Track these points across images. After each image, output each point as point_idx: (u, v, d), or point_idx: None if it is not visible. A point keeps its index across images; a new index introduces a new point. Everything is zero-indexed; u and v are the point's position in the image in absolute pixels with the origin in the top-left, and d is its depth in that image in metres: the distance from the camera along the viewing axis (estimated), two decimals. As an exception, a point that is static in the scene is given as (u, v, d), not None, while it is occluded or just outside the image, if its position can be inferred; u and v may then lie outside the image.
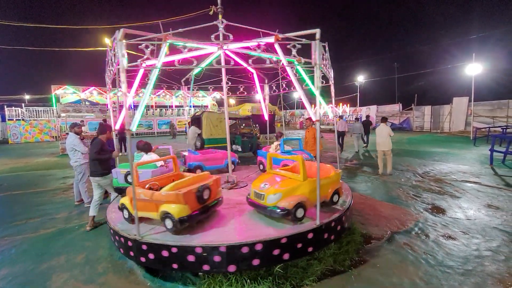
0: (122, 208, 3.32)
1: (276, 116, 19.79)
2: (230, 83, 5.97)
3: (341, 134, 12.33)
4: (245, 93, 6.57)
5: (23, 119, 22.19)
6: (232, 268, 2.68)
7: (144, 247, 2.81)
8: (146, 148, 4.49)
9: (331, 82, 4.54)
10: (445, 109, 21.62)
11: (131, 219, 3.22)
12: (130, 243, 2.91)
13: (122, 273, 3.12)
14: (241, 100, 26.93)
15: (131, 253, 2.95)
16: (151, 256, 2.80)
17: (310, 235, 2.98)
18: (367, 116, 17.19)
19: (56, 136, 21.42)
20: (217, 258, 2.65)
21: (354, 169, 8.44)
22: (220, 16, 3.84)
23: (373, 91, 39.55)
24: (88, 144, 5.75)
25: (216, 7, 4.15)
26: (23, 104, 24.84)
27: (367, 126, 12.57)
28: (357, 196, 5.61)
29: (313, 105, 3.46)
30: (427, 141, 15.66)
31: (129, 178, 4.06)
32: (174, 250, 2.70)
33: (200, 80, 6.31)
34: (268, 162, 3.87)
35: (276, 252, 2.78)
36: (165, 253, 2.73)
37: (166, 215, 2.87)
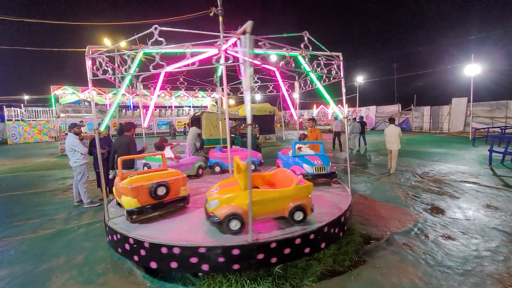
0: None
1: (275, 116, 19.80)
2: (259, 82, 6.17)
3: (337, 134, 12.57)
4: (259, 90, 6.57)
5: (22, 120, 22.17)
6: (153, 265, 2.82)
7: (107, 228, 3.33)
8: (160, 147, 5.35)
9: (343, 89, 4.50)
10: (444, 109, 21.67)
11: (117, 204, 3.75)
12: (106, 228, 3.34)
13: (122, 273, 3.12)
14: (240, 101, 26.92)
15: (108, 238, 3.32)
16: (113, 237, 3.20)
17: (235, 251, 2.66)
18: (361, 117, 17.31)
19: (55, 137, 21.42)
20: (142, 252, 2.86)
21: (353, 169, 8.45)
22: (220, 18, 3.87)
23: (372, 92, 39.63)
24: (87, 145, 5.75)
25: (217, 8, 4.16)
26: (22, 105, 24.82)
27: (362, 127, 12.75)
28: (357, 196, 5.62)
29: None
30: (426, 141, 15.69)
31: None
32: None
33: (201, 80, 6.32)
34: (235, 166, 3.34)
35: (193, 260, 2.67)
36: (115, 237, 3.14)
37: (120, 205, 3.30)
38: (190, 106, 32.23)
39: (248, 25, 2.66)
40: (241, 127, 12.73)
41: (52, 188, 6.99)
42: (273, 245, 2.74)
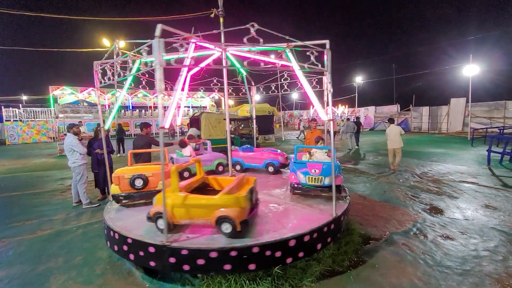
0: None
1: (275, 117, 19.81)
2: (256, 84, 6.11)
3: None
4: (234, 94, 6.55)
5: (20, 120, 22.09)
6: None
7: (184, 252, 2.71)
8: (182, 144, 5.74)
9: (327, 84, 4.47)
10: (442, 110, 21.74)
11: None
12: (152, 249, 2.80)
13: (121, 274, 3.11)
14: (240, 101, 26.93)
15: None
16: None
17: (151, 249, 2.72)
18: (357, 118, 17.47)
19: (54, 137, 21.34)
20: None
21: (352, 169, 8.46)
22: (221, 19, 3.87)
23: (371, 92, 39.73)
24: (86, 145, 5.74)
25: (218, 10, 4.16)
26: (20, 105, 24.72)
27: (358, 127, 12.96)
28: (356, 196, 5.63)
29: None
30: (425, 141, 15.73)
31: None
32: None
33: (200, 80, 6.29)
34: (198, 167, 3.57)
35: (124, 247, 2.96)
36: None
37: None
38: (189, 107, 32.21)
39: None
40: (241, 127, 12.74)
41: (51, 189, 6.97)
42: (185, 252, 2.63)
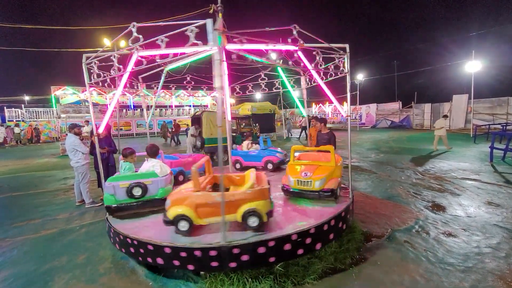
0: (177, 220, 2.87)
1: (276, 115, 19.79)
2: (267, 78, 5.94)
3: (304, 128, 14.29)
4: (254, 91, 6.47)
5: (23, 121, 22.19)
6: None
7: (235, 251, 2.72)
8: (152, 151, 4.06)
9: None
10: (445, 106, 21.61)
11: (191, 231, 2.89)
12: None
13: (124, 273, 3.13)
14: (241, 100, 26.91)
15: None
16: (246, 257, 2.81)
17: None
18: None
19: (56, 137, 21.44)
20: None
21: (353, 167, 8.45)
22: (220, 15, 3.84)
23: (372, 89, 39.51)
24: (88, 145, 5.76)
25: (216, 5, 4.14)
26: (22, 105, 24.85)
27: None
28: (358, 194, 5.62)
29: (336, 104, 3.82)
30: (427, 138, 15.64)
31: (134, 192, 3.53)
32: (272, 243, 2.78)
33: (202, 79, 6.28)
34: (292, 154, 4.15)
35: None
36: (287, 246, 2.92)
37: (252, 213, 2.88)
38: (190, 106, 32.22)
39: (346, 46, 3.26)
40: (242, 126, 12.74)
41: (54, 189, 7.01)
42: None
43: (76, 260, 3.43)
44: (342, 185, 4.22)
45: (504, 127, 13.86)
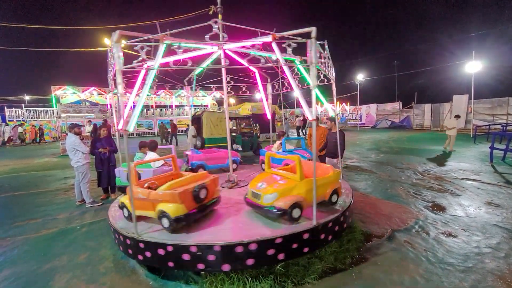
0: (122, 206, 3.35)
1: (276, 115, 19.80)
2: (232, 82, 5.96)
3: (298, 128, 16.38)
4: (248, 92, 6.53)
5: (23, 120, 22.20)
6: (226, 267, 2.68)
7: (141, 245, 2.85)
8: (152, 146, 4.71)
9: (333, 80, 4.50)
10: (445, 107, 21.61)
11: (130, 218, 3.23)
12: (128, 241, 2.95)
13: (124, 272, 3.14)
14: (241, 100, 26.92)
15: (130, 251, 3.00)
16: (148, 254, 2.84)
17: (306, 235, 2.92)
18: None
19: (56, 137, 21.44)
20: (211, 257, 2.66)
21: (353, 167, 8.45)
22: (220, 16, 3.86)
23: (373, 90, 39.45)
24: (88, 144, 5.77)
25: (216, 6, 4.15)
26: (23, 105, 24.87)
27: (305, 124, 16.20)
28: (358, 194, 5.63)
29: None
30: (427, 139, 15.66)
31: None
32: (170, 248, 2.73)
33: (201, 80, 6.31)
34: (266, 162, 3.79)
35: (270, 252, 2.75)
36: (161, 252, 2.76)
37: (163, 214, 2.90)
38: (191, 106, 32.19)
39: (312, 30, 2.73)
40: (242, 126, 12.74)
41: (54, 188, 7.02)
42: (330, 224, 3.15)
43: (77, 259, 3.44)
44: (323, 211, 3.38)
45: (504, 127, 13.86)
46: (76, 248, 3.73)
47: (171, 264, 2.77)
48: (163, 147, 6.40)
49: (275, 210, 3.02)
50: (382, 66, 44.05)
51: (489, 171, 7.40)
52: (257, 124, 13.28)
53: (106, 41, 16.19)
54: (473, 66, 16.14)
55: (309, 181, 3.18)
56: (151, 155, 4.56)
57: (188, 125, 16.21)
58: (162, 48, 3.16)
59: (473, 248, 3.42)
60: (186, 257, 2.69)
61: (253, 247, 2.69)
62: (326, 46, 3.75)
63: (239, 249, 2.66)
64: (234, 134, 10.57)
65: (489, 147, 8.74)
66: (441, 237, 3.73)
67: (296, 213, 3.06)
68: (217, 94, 32.66)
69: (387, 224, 4.20)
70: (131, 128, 2.80)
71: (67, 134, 5.82)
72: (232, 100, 31.43)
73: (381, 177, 7.16)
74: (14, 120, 22.01)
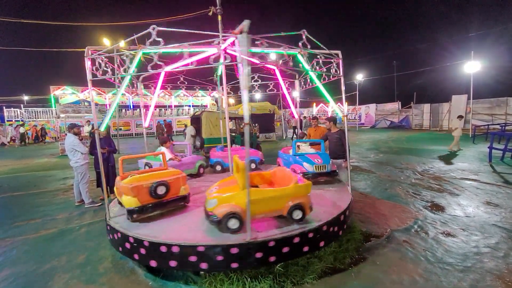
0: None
1: (275, 115, 19.80)
2: (260, 80, 6.03)
3: (295, 128, 16.07)
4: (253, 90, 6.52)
5: (22, 120, 22.15)
6: (153, 263, 2.83)
7: (108, 227, 3.36)
8: (162, 141, 5.35)
9: (343, 87, 4.44)
10: (444, 107, 21.65)
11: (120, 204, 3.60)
12: (107, 227, 3.38)
13: (124, 273, 3.14)
14: (240, 100, 26.89)
15: (109, 236, 3.38)
16: (110, 236, 3.33)
17: (234, 250, 2.65)
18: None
19: (55, 137, 21.41)
20: (142, 251, 2.88)
21: (353, 167, 8.46)
22: (219, 17, 3.87)
23: (372, 90, 39.47)
24: (87, 145, 5.76)
25: (215, 8, 4.17)
26: (22, 105, 24.80)
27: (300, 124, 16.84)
28: (357, 194, 5.64)
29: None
30: (426, 139, 15.70)
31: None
32: (118, 234, 3.10)
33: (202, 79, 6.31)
34: (234, 164, 3.25)
35: (192, 259, 2.67)
36: (115, 236, 3.17)
37: (121, 204, 3.40)
38: (190, 106, 32.21)
39: (245, 24, 2.67)
40: (241, 126, 12.74)
41: (53, 188, 7.00)
42: (272, 243, 2.73)
43: (76, 260, 3.43)
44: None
45: (503, 127, 13.90)
46: (75, 249, 3.73)
47: (120, 248, 3.13)
48: (179, 143, 6.49)
49: (215, 218, 2.86)
50: (382, 66, 44.10)
51: (488, 171, 7.42)
52: (256, 124, 13.28)
53: (105, 41, 16.16)
54: (472, 66, 16.18)
55: (253, 191, 2.87)
56: (161, 149, 5.06)
57: (185, 125, 16.09)
58: (138, 57, 3.31)
59: (472, 248, 3.43)
60: (127, 245, 2.98)
61: (175, 249, 2.70)
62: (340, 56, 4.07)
63: (163, 249, 2.74)
64: (233, 134, 10.57)
65: (488, 147, 8.77)
66: (440, 237, 3.74)
67: (232, 224, 2.84)
68: (216, 94, 32.64)
69: (386, 224, 4.20)
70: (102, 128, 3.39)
71: (66, 134, 5.81)
72: (232, 100, 31.42)
73: (380, 177, 7.17)
74: (13, 120, 21.95)
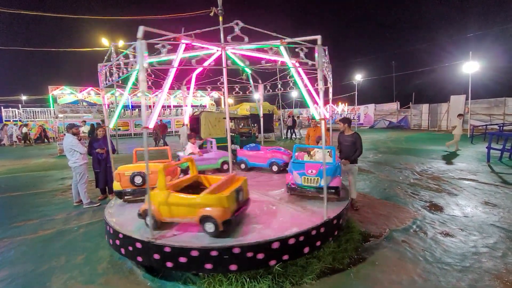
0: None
1: (274, 115, 19.81)
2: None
3: (289, 127, 18.88)
4: (240, 93, 6.59)
5: (20, 120, 22.06)
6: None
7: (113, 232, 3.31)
8: (189, 136, 6.04)
9: (330, 84, 4.52)
10: (442, 107, 21.72)
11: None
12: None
13: (122, 273, 3.13)
14: (239, 100, 26.89)
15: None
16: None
17: (139, 245, 2.90)
18: (295, 117, 20.94)
19: (54, 137, 21.33)
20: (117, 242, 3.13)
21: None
22: (220, 18, 3.86)
23: (370, 90, 39.59)
24: (85, 145, 5.74)
25: (217, 8, 4.15)
26: (20, 105, 24.69)
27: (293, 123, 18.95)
28: (356, 194, 5.62)
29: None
30: (425, 139, 15.74)
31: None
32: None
33: (200, 80, 6.32)
34: (191, 166, 3.74)
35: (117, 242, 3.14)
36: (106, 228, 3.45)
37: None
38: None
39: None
40: (240, 126, 12.74)
41: (52, 189, 6.98)
42: (167, 249, 2.71)
43: (74, 260, 3.42)
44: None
45: (501, 127, 13.96)
46: (74, 249, 3.71)
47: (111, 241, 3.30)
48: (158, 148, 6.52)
49: (138, 211, 3.16)
50: (380, 66, 44.16)
51: (486, 171, 7.44)
52: (255, 125, 13.27)
53: (104, 41, 16.12)
54: (470, 67, 16.24)
55: (160, 194, 2.94)
56: (188, 144, 5.89)
57: (183, 125, 15.92)
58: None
59: (471, 248, 3.44)
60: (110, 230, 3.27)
61: (139, 245, 2.90)
62: (327, 52, 3.82)
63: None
64: (232, 134, 10.57)
65: (486, 147, 8.79)
66: (438, 237, 3.75)
67: (148, 220, 2.90)
68: (216, 95, 32.61)
69: (385, 224, 4.21)
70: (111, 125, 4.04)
71: (64, 134, 5.79)
72: (230, 101, 31.41)
73: (379, 177, 7.18)
74: (11, 120, 21.86)
